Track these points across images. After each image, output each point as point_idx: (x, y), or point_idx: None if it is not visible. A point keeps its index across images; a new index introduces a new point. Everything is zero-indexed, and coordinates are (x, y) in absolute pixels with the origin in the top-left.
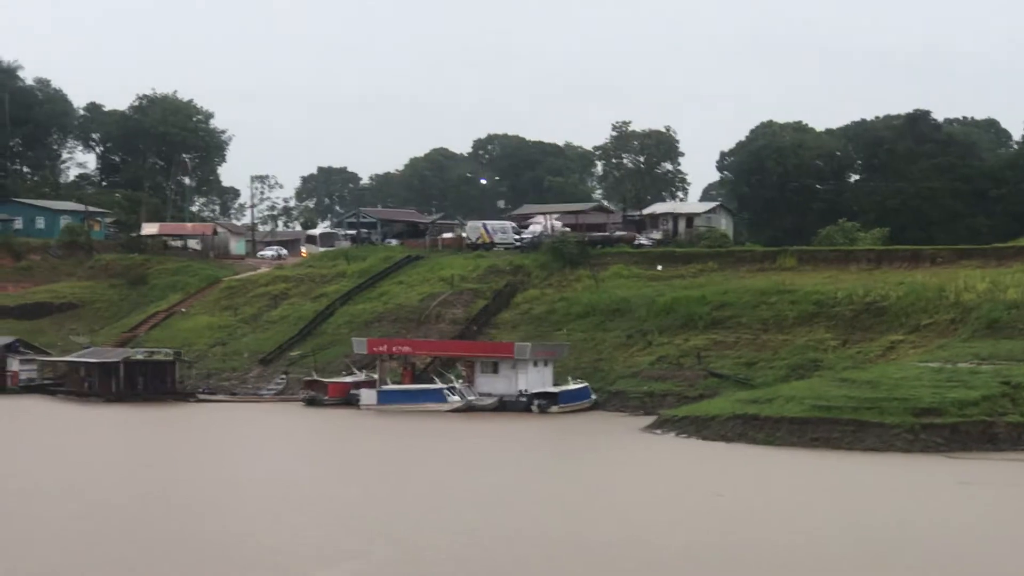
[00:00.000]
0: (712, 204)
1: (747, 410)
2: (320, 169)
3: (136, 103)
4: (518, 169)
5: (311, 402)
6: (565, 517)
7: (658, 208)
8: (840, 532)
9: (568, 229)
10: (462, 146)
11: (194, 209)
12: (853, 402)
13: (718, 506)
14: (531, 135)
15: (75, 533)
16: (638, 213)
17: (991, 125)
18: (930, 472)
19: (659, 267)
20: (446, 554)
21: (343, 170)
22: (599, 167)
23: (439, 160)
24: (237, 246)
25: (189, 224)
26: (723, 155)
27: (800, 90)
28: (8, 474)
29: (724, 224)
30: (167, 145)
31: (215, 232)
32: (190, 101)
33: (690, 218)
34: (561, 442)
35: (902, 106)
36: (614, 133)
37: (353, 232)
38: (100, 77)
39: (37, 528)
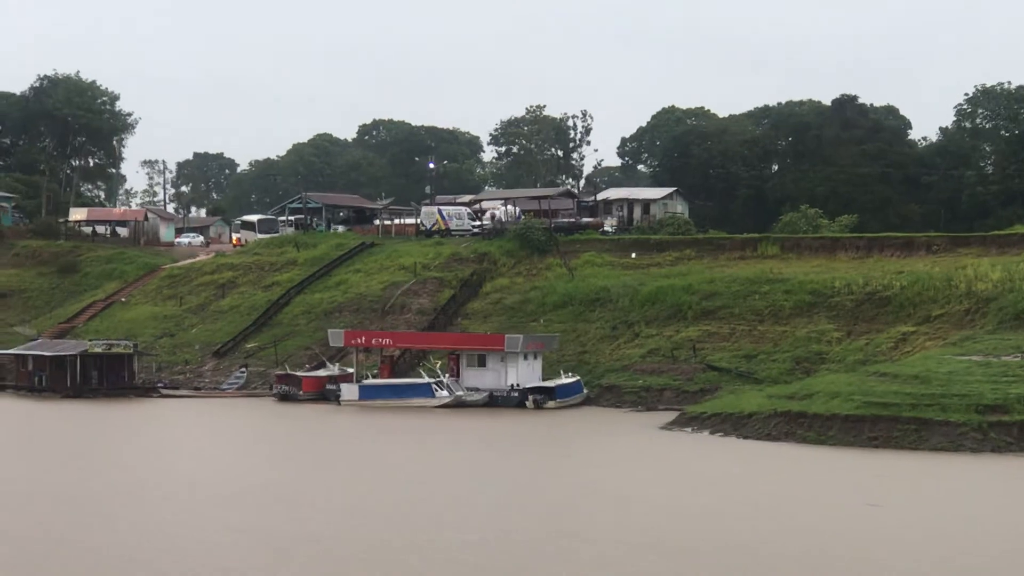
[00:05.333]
0: (669, 190)
1: (789, 407)
2: (196, 155)
3: (37, 84)
4: (410, 154)
5: (284, 397)
6: (702, 537)
7: (612, 193)
8: None
9: (523, 216)
10: (346, 131)
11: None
12: (910, 399)
13: (895, 519)
14: (415, 121)
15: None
16: (592, 199)
17: (890, 112)
18: None
19: (633, 255)
20: None
21: (220, 156)
22: (486, 153)
23: (324, 146)
24: (167, 232)
25: (117, 210)
26: (624, 140)
27: (677, 76)
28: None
29: (680, 209)
30: (71, 127)
31: (146, 218)
32: (93, 82)
33: (646, 204)
34: (584, 443)
35: (769, 96)
36: (523, 116)
37: (300, 217)
38: None
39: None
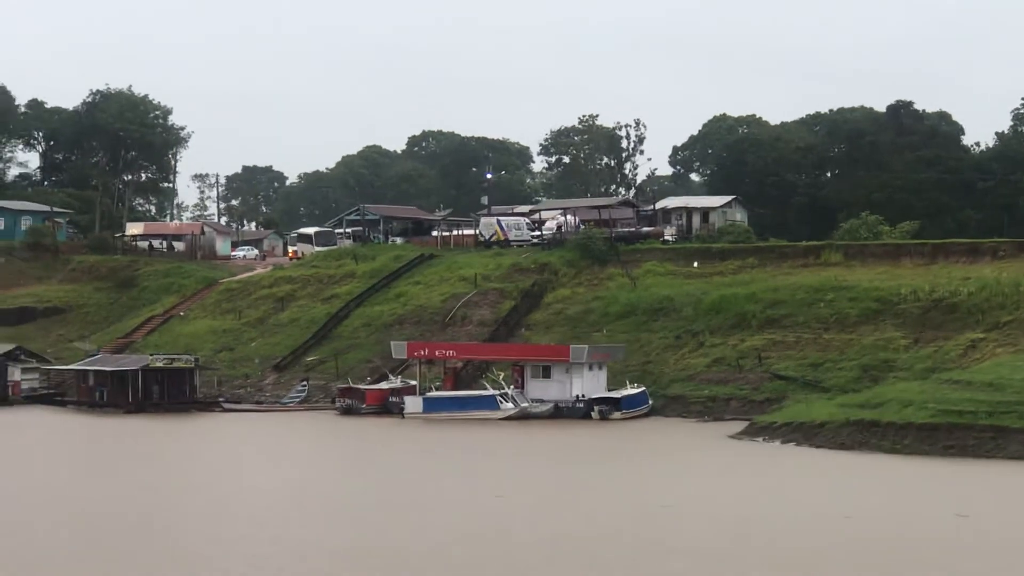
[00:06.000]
0: (727, 198)
1: (861, 416)
2: (245, 168)
3: (89, 99)
4: (460, 165)
5: (348, 411)
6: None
7: (670, 202)
8: None
9: (583, 225)
10: (395, 143)
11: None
12: (985, 406)
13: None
14: (464, 132)
15: None
16: (651, 208)
17: (942, 117)
18: None
19: (695, 264)
20: None
21: (268, 169)
22: (537, 163)
23: (374, 158)
24: (223, 246)
25: (173, 223)
26: (676, 149)
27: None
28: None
29: (739, 218)
30: (124, 142)
31: (203, 232)
32: (145, 96)
33: (705, 212)
34: (658, 455)
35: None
36: (574, 125)
37: (358, 230)
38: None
39: None
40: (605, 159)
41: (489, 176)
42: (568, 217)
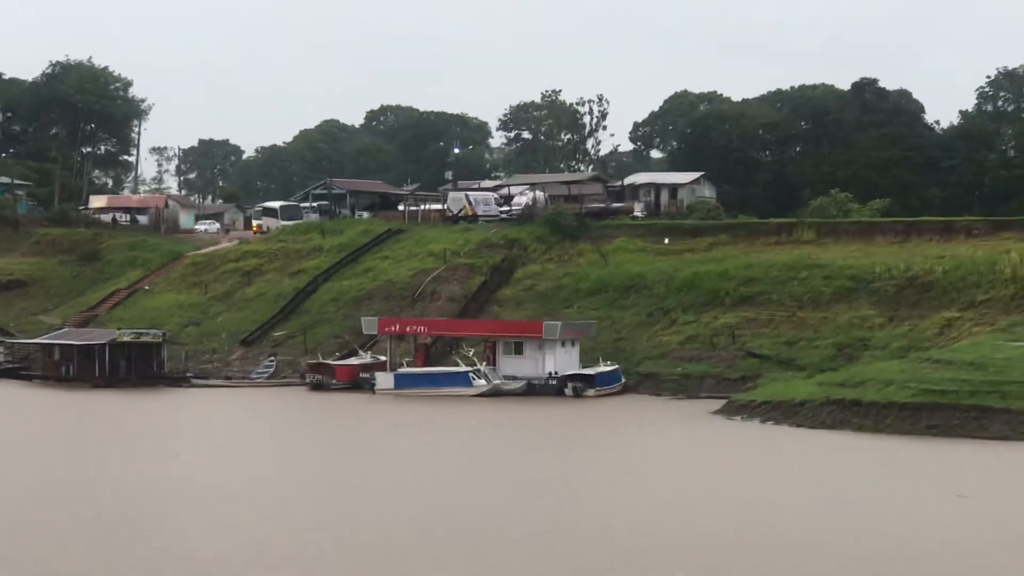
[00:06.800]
0: (696, 174)
1: (842, 395)
2: (201, 141)
3: (49, 70)
4: (419, 140)
5: (317, 386)
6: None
7: (639, 178)
8: None
9: (549, 200)
10: (353, 118)
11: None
12: (967, 386)
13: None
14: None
15: None
16: (620, 184)
17: (902, 95)
18: None
19: (666, 240)
20: None
21: (225, 142)
22: (496, 138)
23: (332, 132)
24: (187, 219)
25: (136, 196)
26: (636, 125)
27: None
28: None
29: (708, 194)
30: (83, 114)
31: (166, 205)
32: (105, 68)
33: (674, 189)
34: (639, 432)
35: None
36: (535, 101)
37: (324, 204)
38: None
39: None
40: (568, 135)
41: (457, 151)
42: (538, 193)
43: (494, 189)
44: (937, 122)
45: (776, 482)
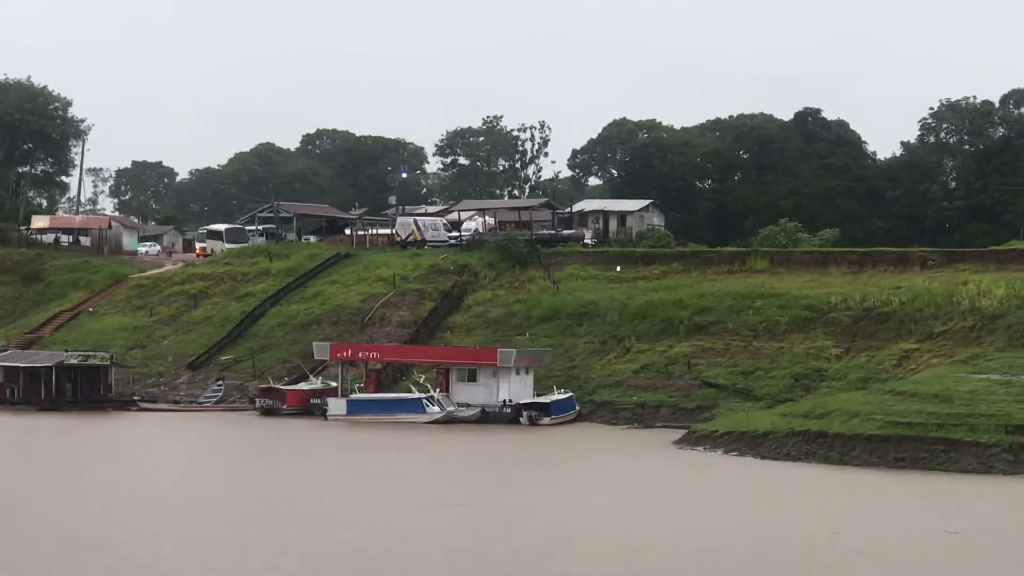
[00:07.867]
0: (645, 202)
1: (807, 426)
2: (135, 163)
3: None
4: (356, 164)
5: (268, 411)
6: None
7: (587, 205)
8: None
9: (499, 227)
10: (289, 141)
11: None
12: (935, 418)
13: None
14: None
15: None
16: (568, 210)
17: (841, 126)
18: None
19: (618, 268)
20: None
21: (159, 164)
22: (432, 163)
23: (268, 155)
24: (130, 241)
25: (79, 217)
26: (575, 152)
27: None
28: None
29: (657, 222)
30: (21, 133)
31: (110, 226)
32: (44, 88)
33: (622, 216)
34: (601, 464)
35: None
36: (475, 127)
37: (270, 227)
38: None
39: None
40: (506, 161)
41: (404, 175)
42: (487, 218)
43: (441, 214)
44: (875, 153)
45: (762, 518)
